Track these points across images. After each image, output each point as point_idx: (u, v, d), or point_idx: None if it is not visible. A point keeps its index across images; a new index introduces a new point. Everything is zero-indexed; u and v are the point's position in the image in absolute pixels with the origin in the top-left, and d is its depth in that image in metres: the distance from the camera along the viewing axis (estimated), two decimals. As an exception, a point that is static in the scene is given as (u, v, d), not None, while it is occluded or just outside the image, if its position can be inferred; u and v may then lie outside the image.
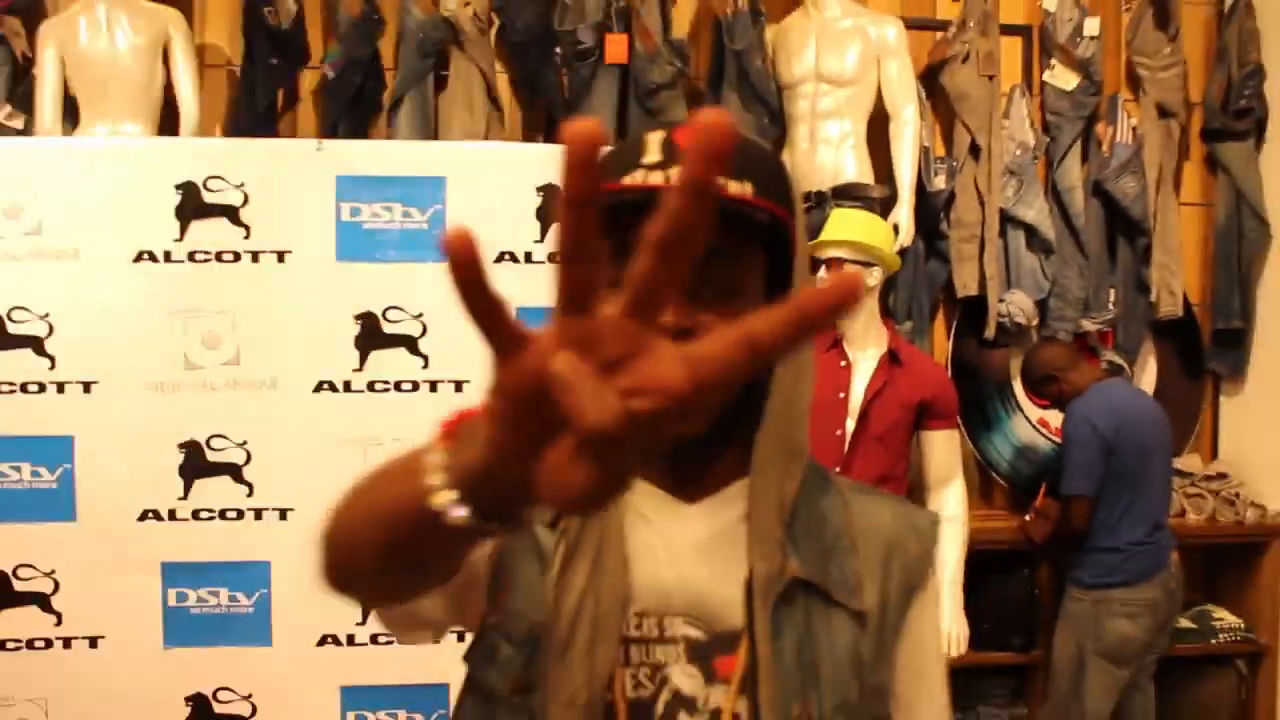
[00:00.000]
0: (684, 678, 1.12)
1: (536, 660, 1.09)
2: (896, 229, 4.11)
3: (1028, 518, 4.13)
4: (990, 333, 4.45)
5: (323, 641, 3.06)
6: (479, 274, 0.58)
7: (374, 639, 3.06)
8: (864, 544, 1.18)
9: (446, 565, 0.93)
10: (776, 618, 1.11)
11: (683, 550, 1.14)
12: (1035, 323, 4.47)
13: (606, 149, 0.52)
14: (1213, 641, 4.45)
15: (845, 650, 1.14)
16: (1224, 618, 4.52)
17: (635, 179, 1.07)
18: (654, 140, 1.09)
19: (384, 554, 0.84)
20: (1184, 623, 4.38)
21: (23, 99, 3.93)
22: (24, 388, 2.98)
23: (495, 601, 1.14)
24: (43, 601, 2.99)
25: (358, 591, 1.00)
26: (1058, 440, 4.13)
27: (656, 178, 1.06)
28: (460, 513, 0.68)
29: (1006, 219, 4.44)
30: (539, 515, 1.06)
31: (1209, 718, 4.48)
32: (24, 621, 2.98)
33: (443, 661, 3.01)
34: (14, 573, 2.97)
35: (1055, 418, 4.18)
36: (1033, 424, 4.61)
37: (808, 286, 1.15)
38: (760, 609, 1.11)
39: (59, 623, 3.00)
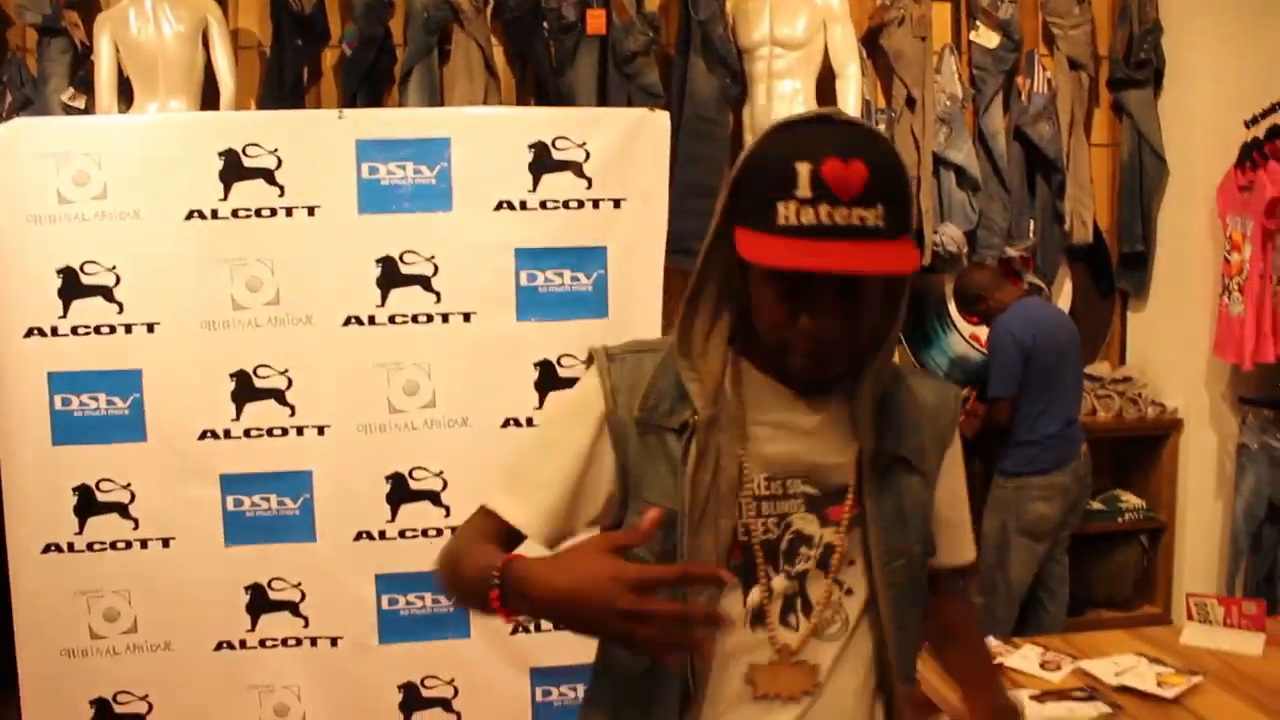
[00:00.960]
0: (803, 522, 1.31)
1: (672, 535, 1.26)
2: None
3: (960, 418, 4.19)
4: (927, 260, 4.46)
5: (359, 537, 3.14)
6: None
7: (401, 534, 3.14)
8: (923, 420, 1.39)
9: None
10: (877, 483, 1.31)
11: (799, 431, 1.31)
12: (965, 250, 4.49)
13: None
14: (1119, 520, 4.55)
15: (919, 500, 1.36)
16: (1129, 500, 4.62)
17: (789, 213, 1.12)
18: (804, 174, 1.11)
19: (464, 602, 1.30)
20: (1095, 505, 4.48)
21: (82, 82, 3.95)
22: (97, 330, 3.04)
23: (635, 496, 1.32)
24: (122, 510, 3.07)
25: (454, 600, 1.35)
26: (986, 352, 4.15)
27: (808, 216, 1.11)
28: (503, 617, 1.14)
29: (939, 161, 4.46)
30: (672, 423, 1.30)
31: (1117, 583, 4.59)
32: (107, 527, 3.07)
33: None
34: (97, 486, 3.05)
35: (985, 333, 4.19)
36: (965, 339, 4.61)
37: None
38: (869, 476, 1.31)
39: (136, 527, 3.07)
